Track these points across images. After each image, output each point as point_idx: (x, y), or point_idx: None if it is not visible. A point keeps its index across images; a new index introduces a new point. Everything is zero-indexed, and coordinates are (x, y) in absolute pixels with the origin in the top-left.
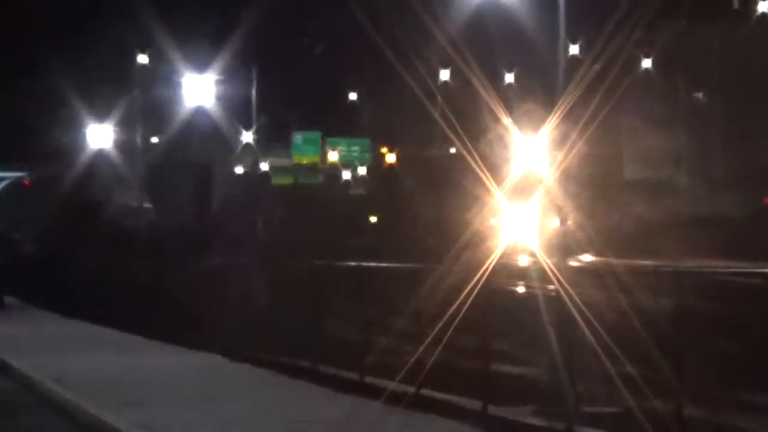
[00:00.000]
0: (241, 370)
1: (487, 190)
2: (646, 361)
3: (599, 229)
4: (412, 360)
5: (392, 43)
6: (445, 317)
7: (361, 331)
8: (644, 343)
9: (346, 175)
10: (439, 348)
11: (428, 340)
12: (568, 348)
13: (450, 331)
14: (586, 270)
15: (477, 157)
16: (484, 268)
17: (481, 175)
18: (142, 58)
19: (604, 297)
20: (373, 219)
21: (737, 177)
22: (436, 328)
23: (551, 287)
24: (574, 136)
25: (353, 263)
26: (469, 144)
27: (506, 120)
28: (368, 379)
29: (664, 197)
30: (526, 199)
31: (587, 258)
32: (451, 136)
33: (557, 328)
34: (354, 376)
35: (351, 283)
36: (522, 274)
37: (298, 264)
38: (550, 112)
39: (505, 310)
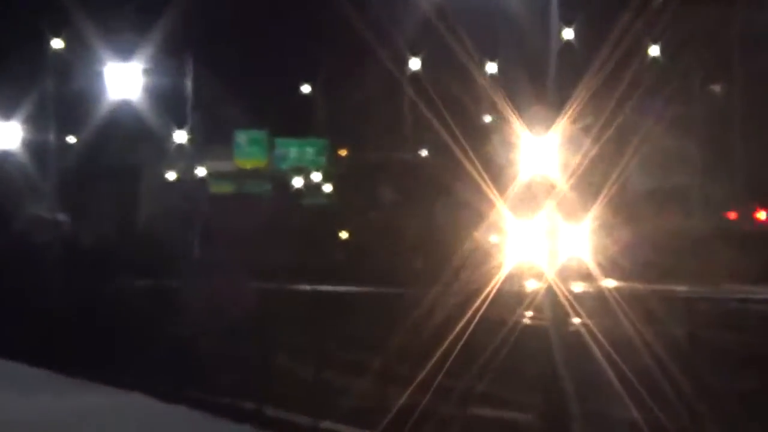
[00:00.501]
0: (173, 413)
1: (487, 200)
2: (664, 404)
3: (621, 248)
4: (390, 404)
5: (352, 26)
6: (424, 352)
7: (317, 367)
8: (664, 383)
9: (298, 182)
10: (418, 388)
11: (404, 379)
12: (572, 389)
13: (429, 369)
14: (604, 297)
15: (470, 160)
16: (478, 294)
17: (481, 181)
18: (56, 43)
19: (625, 330)
20: (344, 234)
21: (761, 184)
22: (412, 366)
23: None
24: (574, 137)
25: (308, 287)
26: (464, 144)
27: (489, 119)
28: (325, 425)
29: (678, 208)
30: (535, 211)
31: (610, 283)
32: (447, 135)
33: (562, 365)
34: (307, 420)
35: (306, 310)
36: (529, 302)
37: (244, 287)
38: (543, 106)
39: (503, 345)
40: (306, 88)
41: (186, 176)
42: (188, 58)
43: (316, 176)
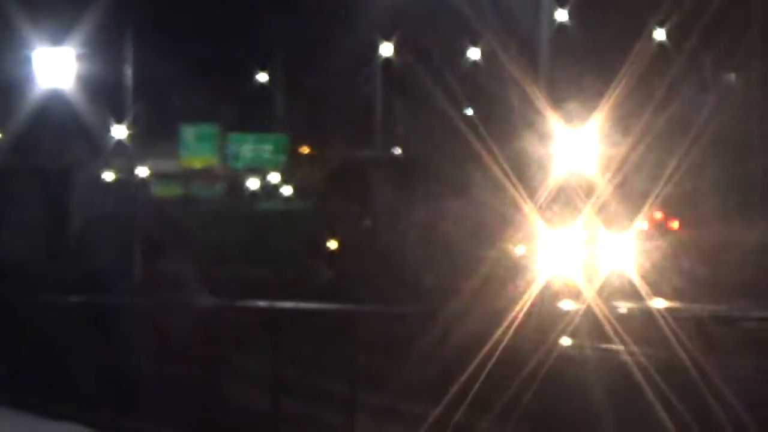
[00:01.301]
0: None
1: (510, 204)
2: None
3: (667, 260)
4: None
5: (316, 8)
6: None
7: (276, 396)
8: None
9: (254, 184)
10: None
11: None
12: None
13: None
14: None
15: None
16: (500, 314)
17: (503, 181)
18: None
19: (682, 362)
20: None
21: None
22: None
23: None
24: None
25: (264, 303)
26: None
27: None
28: None
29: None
30: (568, 217)
31: (660, 303)
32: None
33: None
34: None
35: (265, 330)
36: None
37: (192, 305)
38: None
39: (525, 376)
40: (263, 77)
41: (126, 177)
42: (128, 42)
43: (275, 177)
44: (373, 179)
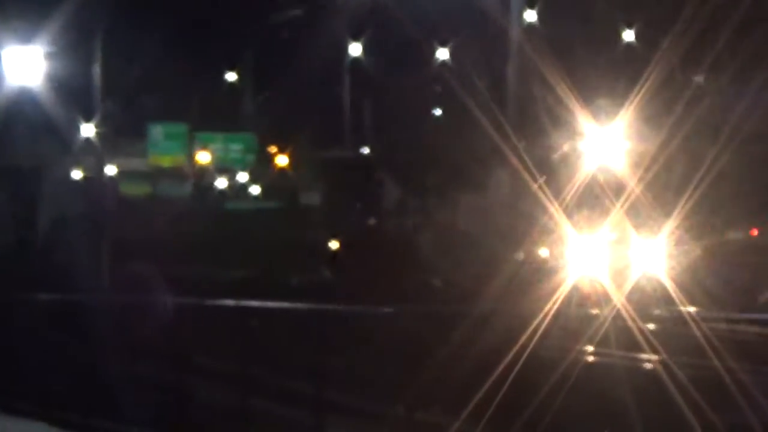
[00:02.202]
0: None
1: (531, 203)
2: None
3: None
4: None
5: (284, 6)
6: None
7: (242, 395)
8: None
9: (221, 183)
10: None
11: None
12: None
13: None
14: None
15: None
16: (514, 316)
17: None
18: None
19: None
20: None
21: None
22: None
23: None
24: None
25: (231, 302)
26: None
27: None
28: None
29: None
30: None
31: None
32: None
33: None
34: None
35: (235, 330)
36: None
37: (160, 303)
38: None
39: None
40: (231, 76)
41: (94, 175)
42: (97, 41)
43: (243, 176)
44: (379, 178)
